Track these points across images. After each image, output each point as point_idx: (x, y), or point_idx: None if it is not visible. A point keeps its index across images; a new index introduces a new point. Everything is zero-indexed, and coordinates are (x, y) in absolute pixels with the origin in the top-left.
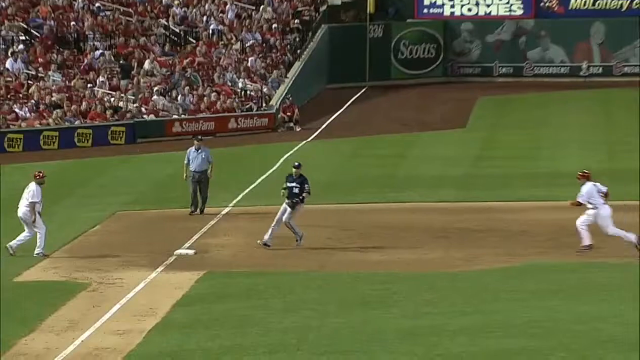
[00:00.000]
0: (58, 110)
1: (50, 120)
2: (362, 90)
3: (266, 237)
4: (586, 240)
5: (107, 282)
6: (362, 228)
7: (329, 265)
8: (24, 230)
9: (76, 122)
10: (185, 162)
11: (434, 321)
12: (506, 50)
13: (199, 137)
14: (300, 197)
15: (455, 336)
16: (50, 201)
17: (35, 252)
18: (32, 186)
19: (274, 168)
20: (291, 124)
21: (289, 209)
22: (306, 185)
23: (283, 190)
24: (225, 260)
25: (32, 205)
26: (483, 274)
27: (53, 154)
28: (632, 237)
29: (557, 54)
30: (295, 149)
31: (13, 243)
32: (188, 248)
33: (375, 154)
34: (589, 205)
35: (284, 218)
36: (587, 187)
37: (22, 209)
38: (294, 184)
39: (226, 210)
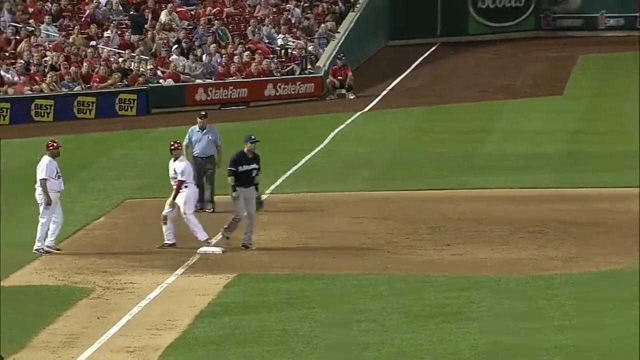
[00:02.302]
0: (53, 73)
1: (44, 86)
2: (432, 49)
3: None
4: None
5: (115, 287)
6: (432, 220)
7: (392, 267)
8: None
9: (76, 88)
10: (186, 143)
11: (523, 338)
12: None
13: (203, 113)
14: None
15: (551, 358)
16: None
17: (35, 247)
18: (43, 160)
19: (321, 146)
20: (343, 91)
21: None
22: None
23: (232, 177)
24: (261, 261)
25: (43, 183)
26: (586, 278)
27: (47, 128)
28: None
29: None
30: (348, 122)
31: (46, 242)
32: (214, 245)
33: (448, 128)
34: None
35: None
36: None
37: (37, 191)
38: (252, 166)
39: (262, 198)
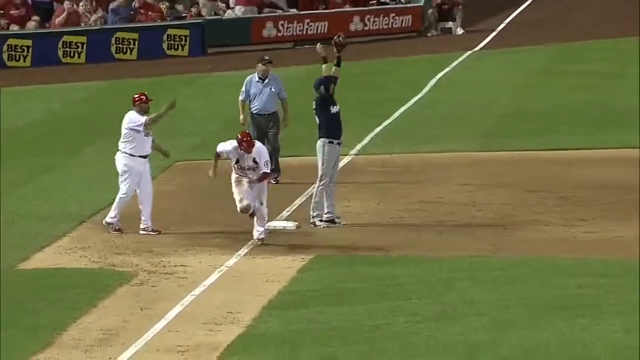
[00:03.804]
0: (87, 1)
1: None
2: None
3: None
4: None
5: (162, 272)
6: (559, 188)
7: (508, 248)
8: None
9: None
10: (242, 97)
11: None
12: None
13: (267, 58)
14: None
15: None
16: (71, 146)
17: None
18: (129, 116)
19: (420, 95)
20: (449, 24)
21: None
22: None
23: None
24: (345, 239)
25: (130, 133)
26: None
27: (77, 72)
28: None
29: None
30: (455, 64)
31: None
32: (286, 219)
33: (581, 70)
34: None
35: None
36: None
37: (118, 157)
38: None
39: (346, 160)
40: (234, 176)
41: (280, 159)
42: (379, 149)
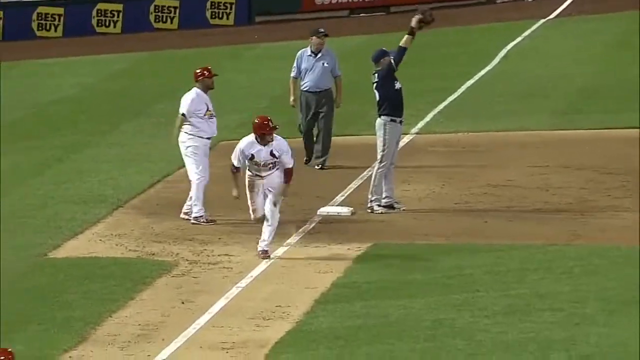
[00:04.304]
0: None
1: None
2: None
3: None
4: None
5: (205, 262)
6: None
7: (586, 235)
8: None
9: None
10: (293, 74)
11: None
12: None
13: (321, 30)
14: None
15: None
16: (105, 123)
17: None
18: (190, 93)
19: (489, 68)
20: None
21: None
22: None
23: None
24: (405, 225)
25: (180, 120)
26: None
27: (113, 42)
28: None
29: None
30: (526, 33)
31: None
32: (340, 205)
33: None
34: None
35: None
36: None
37: (181, 136)
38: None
39: (406, 139)
40: (247, 177)
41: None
42: (443, 127)
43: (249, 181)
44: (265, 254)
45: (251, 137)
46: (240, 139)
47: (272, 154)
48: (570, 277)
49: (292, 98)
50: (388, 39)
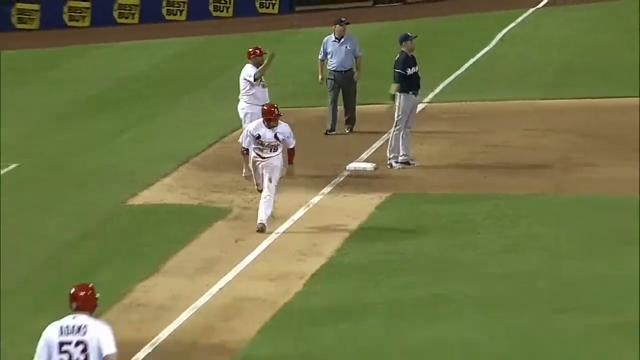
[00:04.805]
0: None
1: None
2: None
3: None
4: None
5: (255, 208)
6: (616, 135)
7: (568, 187)
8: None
9: None
10: (321, 57)
11: None
12: None
13: (343, 19)
14: None
15: None
16: (173, 95)
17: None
18: (245, 69)
19: (488, 48)
20: None
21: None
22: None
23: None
24: (419, 178)
25: (246, 84)
26: None
27: (178, 28)
28: None
29: None
30: (519, 20)
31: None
32: (366, 161)
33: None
34: None
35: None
36: None
37: (240, 104)
38: (417, 69)
39: (420, 107)
40: (252, 156)
41: (358, 107)
42: (450, 97)
43: (253, 161)
44: (262, 227)
45: (259, 120)
46: (285, 107)
47: (276, 136)
48: (556, 221)
49: (320, 77)
50: (405, 25)
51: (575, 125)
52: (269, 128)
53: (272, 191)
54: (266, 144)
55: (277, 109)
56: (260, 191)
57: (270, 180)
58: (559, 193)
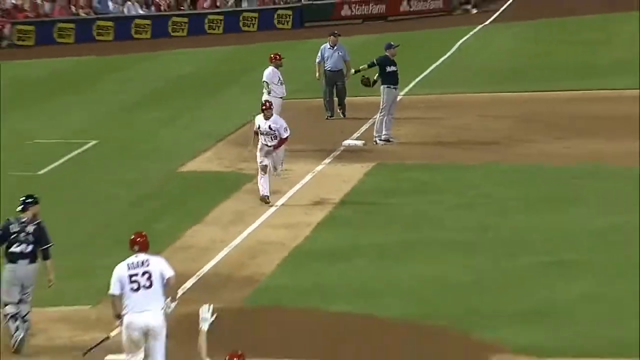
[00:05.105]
0: None
1: None
2: None
3: None
4: None
5: (274, 173)
6: (548, 119)
7: (510, 158)
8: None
9: (244, 4)
10: (318, 60)
11: (634, 216)
12: None
13: (336, 32)
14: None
15: None
16: (213, 90)
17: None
18: (268, 69)
19: (448, 54)
20: (467, 6)
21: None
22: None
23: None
24: (397, 152)
25: (266, 86)
26: None
27: (217, 39)
28: None
29: None
30: (471, 34)
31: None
32: (357, 139)
33: (568, 39)
34: None
35: None
36: None
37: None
38: (395, 68)
39: (397, 98)
40: (260, 141)
41: (350, 99)
42: (422, 90)
43: (259, 145)
44: (265, 199)
45: (262, 114)
46: (294, 99)
47: (270, 127)
48: (502, 185)
49: (317, 74)
50: (385, 37)
51: (518, 112)
52: (266, 119)
53: (272, 172)
54: (265, 132)
55: (268, 103)
56: (262, 169)
57: (274, 168)
58: (504, 163)
